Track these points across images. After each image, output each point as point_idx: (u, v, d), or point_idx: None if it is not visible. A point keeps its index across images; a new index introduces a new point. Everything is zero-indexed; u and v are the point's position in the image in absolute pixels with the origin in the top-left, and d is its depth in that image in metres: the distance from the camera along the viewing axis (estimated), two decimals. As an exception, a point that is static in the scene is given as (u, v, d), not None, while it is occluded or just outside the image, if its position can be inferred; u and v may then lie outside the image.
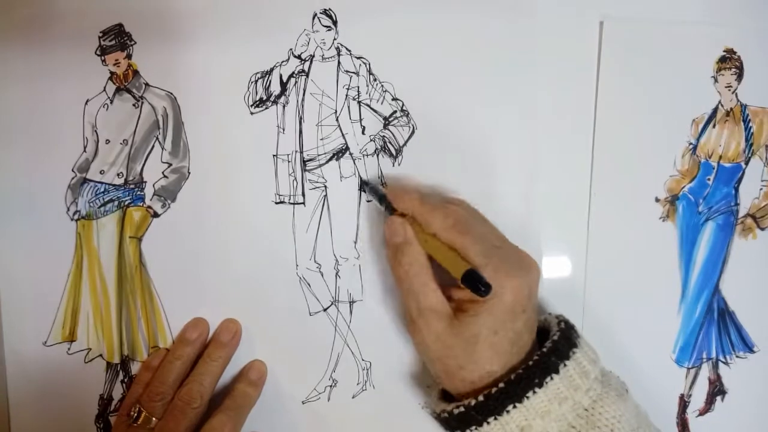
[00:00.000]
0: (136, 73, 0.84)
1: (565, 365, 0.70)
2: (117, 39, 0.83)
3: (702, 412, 0.88)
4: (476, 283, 0.67)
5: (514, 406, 0.68)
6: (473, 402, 0.69)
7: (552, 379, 0.69)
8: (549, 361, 0.70)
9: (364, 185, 0.84)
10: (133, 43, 0.83)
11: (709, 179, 0.87)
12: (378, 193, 0.81)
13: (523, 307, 0.70)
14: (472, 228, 0.72)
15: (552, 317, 0.77)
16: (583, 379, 0.70)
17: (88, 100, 0.84)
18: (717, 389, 0.88)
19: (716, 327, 0.88)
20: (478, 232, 0.73)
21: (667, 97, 0.87)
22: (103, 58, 0.83)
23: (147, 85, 0.84)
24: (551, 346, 0.71)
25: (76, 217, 0.84)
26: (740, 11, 0.88)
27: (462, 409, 0.70)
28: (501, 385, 0.69)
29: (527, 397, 0.68)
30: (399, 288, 0.76)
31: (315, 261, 0.85)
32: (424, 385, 0.86)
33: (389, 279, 0.82)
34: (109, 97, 0.84)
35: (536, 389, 0.68)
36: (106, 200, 0.84)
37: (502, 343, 0.70)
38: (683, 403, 0.88)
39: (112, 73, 0.84)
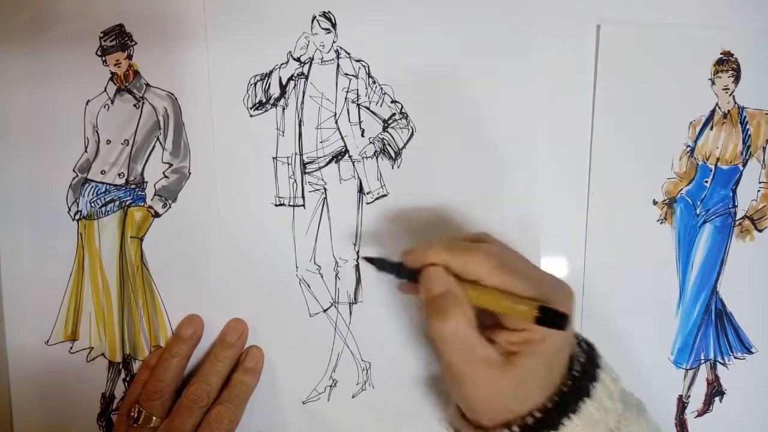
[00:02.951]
0: (136, 73, 0.84)
1: (594, 387, 0.67)
2: (118, 39, 0.84)
3: (700, 413, 0.88)
4: (554, 318, 0.62)
5: None
6: None
7: (584, 402, 0.66)
8: (581, 385, 0.67)
9: (369, 262, 0.76)
10: (133, 43, 0.84)
11: (706, 181, 0.87)
12: (389, 264, 0.74)
13: (572, 334, 0.69)
14: (516, 264, 0.68)
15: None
16: (610, 401, 0.68)
17: (89, 101, 0.84)
18: (715, 390, 0.88)
19: (714, 328, 0.88)
20: (521, 266, 0.68)
21: (664, 100, 0.87)
22: (103, 58, 0.84)
23: (148, 85, 0.84)
24: (580, 369, 0.68)
25: (77, 217, 0.84)
26: (737, 14, 0.88)
27: None
28: (538, 414, 0.66)
29: (563, 424, 0.65)
30: (439, 345, 0.67)
31: (315, 262, 0.85)
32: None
33: (388, 280, 0.82)
34: (110, 98, 0.84)
35: (571, 415, 0.66)
36: (107, 200, 0.84)
37: (554, 377, 0.67)
38: (682, 404, 0.88)
39: (112, 73, 0.84)
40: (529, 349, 0.66)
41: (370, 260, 0.76)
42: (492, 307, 0.66)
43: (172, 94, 0.84)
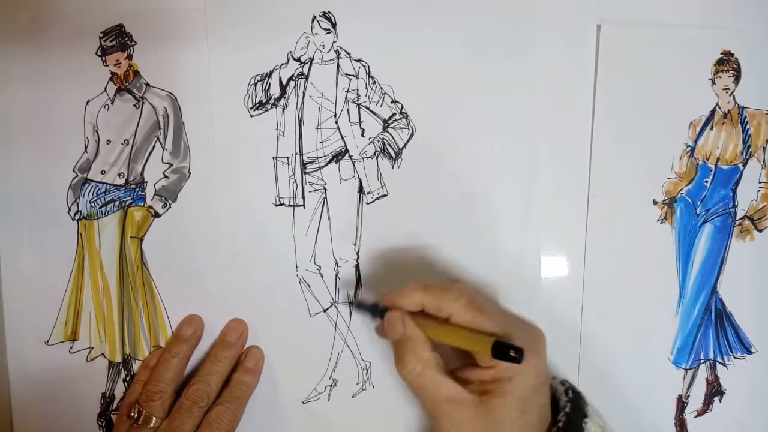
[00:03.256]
0: (136, 73, 0.84)
1: None
2: (118, 39, 0.84)
3: (700, 413, 0.88)
4: (508, 350, 0.64)
5: None
6: None
7: None
8: None
9: (350, 305, 0.84)
10: (133, 43, 0.84)
11: (706, 181, 0.87)
12: (368, 304, 0.78)
13: (544, 380, 0.69)
14: (486, 303, 0.70)
15: (556, 383, 0.76)
16: None
17: (89, 101, 0.84)
18: (715, 390, 0.88)
19: (714, 328, 0.88)
20: (491, 306, 0.71)
21: (664, 100, 0.87)
22: (103, 58, 0.84)
23: (148, 85, 0.84)
24: (565, 419, 0.69)
25: (77, 217, 0.84)
26: (738, 14, 0.88)
27: None
28: None
29: None
30: (409, 386, 0.72)
31: (315, 262, 0.85)
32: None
33: (389, 280, 0.83)
34: (109, 98, 0.84)
35: None
36: (107, 200, 0.84)
37: (531, 421, 0.68)
38: (681, 404, 0.88)
39: (112, 73, 0.84)
40: (500, 388, 0.67)
41: (351, 303, 0.85)
42: (456, 343, 0.69)
43: (172, 94, 0.84)
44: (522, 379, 0.67)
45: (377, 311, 0.76)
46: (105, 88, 0.84)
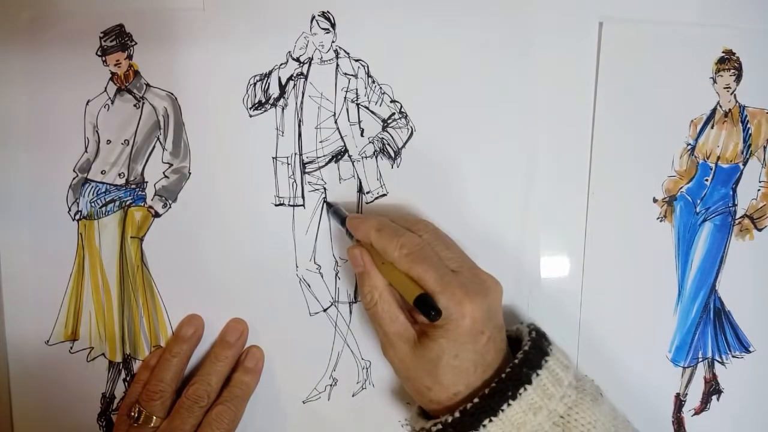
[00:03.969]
0: (136, 73, 0.84)
1: (537, 375, 0.70)
2: (118, 39, 0.83)
3: (698, 412, 0.88)
4: (426, 308, 0.68)
5: (490, 420, 0.68)
6: (450, 419, 0.69)
7: (525, 389, 0.69)
8: (521, 372, 0.70)
9: (327, 207, 0.86)
10: (133, 43, 0.84)
11: (706, 180, 0.87)
12: (339, 216, 0.82)
13: (482, 328, 0.70)
14: (428, 256, 0.72)
15: (524, 327, 0.78)
16: (557, 387, 0.70)
17: (89, 101, 0.84)
18: (713, 389, 0.88)
19: (712, 327, 0.88)
20: (434, 259, 0.73)
21: (665, 98, 0.87)
22: (104, 58, 0.84)
23: (148, 85, 0.84)
24: (522, 357, 0.71)
25: (77, 217, 0.84)
26: (739, 12, 0.88)
27: (440, 426, 0.70)
28: (476, 400, 0.69)
29: (502, 410, 0.68)
30: (367, 315, 0.77)
31: (315, 262, 0.85)
32: (404, 402, 0.87)
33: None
34: (110, 98, 0.84)
35: (510, 401, 0.68)
36: (107, 200, 0.84)
37: (464, 365, 0.70)
38: (679, 403, 0.88)
39: (113, 73, 0.84)
40: (433, 332, 0.71)
41: (329, 205, 0.86)
42: (396, 286, 0.74)
43: (172, 94, 0.84)
44: (453, 327, 0.70)
45: (345, 227, 0.80)
46: (105, 88, 0.84)
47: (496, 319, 0.73)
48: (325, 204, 0.86)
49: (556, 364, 0.72)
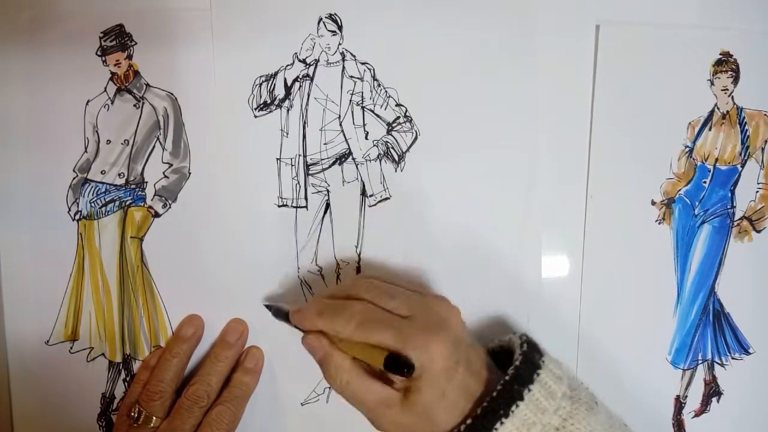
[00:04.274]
0: (136, 73, 0.84)
1: (529, 390, 0.69)
2: (118, 39, 0.83)
3: (698, 413, 0.89)
4: (399, 368, 0.68)
5: None
6: None
7: (517, 406, 0.68)
8: (512, 390, 0.69)
9: (267, 308, 0.84)
10: (133, 43, 0.84)
11: (705, 182, 0.88)
12: (283, 313, 0.81)
13: (456, 360, 0.70)
14: (377, 317, 0.72)
15: (516, 338, 0.77)
16: (550, 400, 0.69)
17: (89, 101, 0.84)
18: (713, 390, 0.88)
19: (712, 329, 0.88)
20: (384, 317, 0.73)
21: (663, 100, 0.87)
22: (103, 58, 0.84)
23: (148, 85, 0.84)
24: (513, 373, 0.70)
25: (77, 217, 0.84)
26: (737, 14, 0.88)
27: None
28: (469, 421, 0.68)
29: (495, 429, 0.67)
30: (343, 397, 0.75)
31: (316, 264, 0.85)
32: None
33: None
34: (110, 98, 0.84)
35: (503, 419, 0.68)
36: (107, 200, 0.84)
37: (454, 401, 0.70)
38: (679, 405, 0.88)
39: (112, 73, 0.84)
40: (414, 385, 0.70)
41: (268, 307, 0.84)
42: (360, 357, 0.73)
43: (171, 94, 0.84)
44: (429, 373, 0.69)
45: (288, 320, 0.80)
46: (105, 88, 0.84)
47: (463, 343, 0.73)
48: (266, 306, 0.85)
49: (549, 376, 0.71)
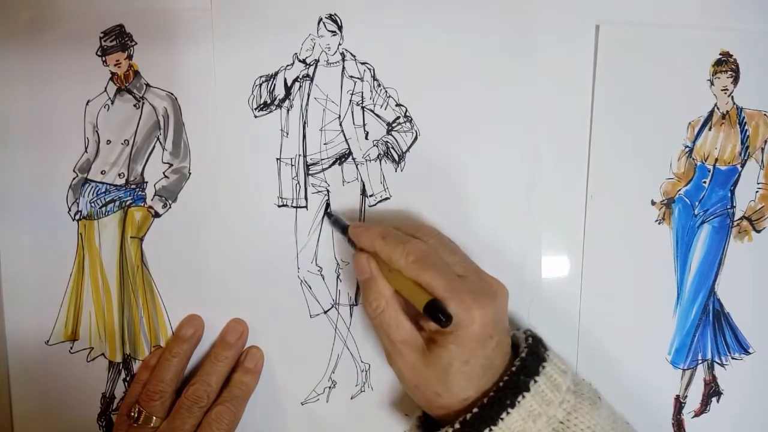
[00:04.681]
0: (136, 73, 0.84)
1: (535, 381, 0.70)
2: (118, 40, 0.83)
3: (698, 413, 0.89)
4: (437, 314, 0.67)
5: (490, 429, 0.68)
6: (450, 430, 0.69)
7: (524, 397, 0.69)
8: (519, 380, 0.70)
9: (328, 216, 0.85)
10: (133, 43, 0.84)
11: (705, 182, 0.88)
12: (340, 225, 0.82)
13: (491, 333, 0.70)
14: (435, 262, 0.72)
15: (520, 333, 0.78)
16: (555, 393, 0.70)
17: (89, 101, 0.84)
18: (712, 390, 0.88)
19: (712, 328, 0.88)
20: (442, 265, 0.73)
21: (663, 100, 0.87)
22: (104, 58, 0.84)
23: (148, 85, 0.84)
24: (519, 364, 0.71)
25: (77, 217, 0.84)
26: (736, 14, 0.88)
27: None
28: (475, 410, 0.69)
29: (501, 419, 0.68)
30: (371, 323, 0.76)
31: (316, 264, 0.85)
32: (402, 412, 0.87)
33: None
34: (110, 98, 0.84)
35: (509, 410, 0.68)
36: (107, 200, 0.84)
37: (474, 371, 0.70)
38: (679, 405, 0.88)
39: (113, 73, 0.84)
40: (443, 339, 0.70)
41: (329, 214, 0.85)
42: (403, 293, 0.73)
43: (171, 94, 0.84)
44: (463, 333, 0.69)
45: (347, 236, 0.80)
46: (105, 88, 0.84)
47: (503, 323, 0.73)
48: (325, 214, 0.85)
49: (554, 369, 0.72)
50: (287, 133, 0.84)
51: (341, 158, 0.85)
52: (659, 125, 0.87)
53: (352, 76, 0.84)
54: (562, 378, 0.72)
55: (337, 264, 0.86)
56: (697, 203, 0.88)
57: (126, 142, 0.84)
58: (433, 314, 0.68)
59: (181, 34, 0.84)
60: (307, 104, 0.84)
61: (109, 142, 0.84)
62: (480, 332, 0.69)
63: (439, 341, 0.70)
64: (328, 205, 0.85)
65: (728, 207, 0.88)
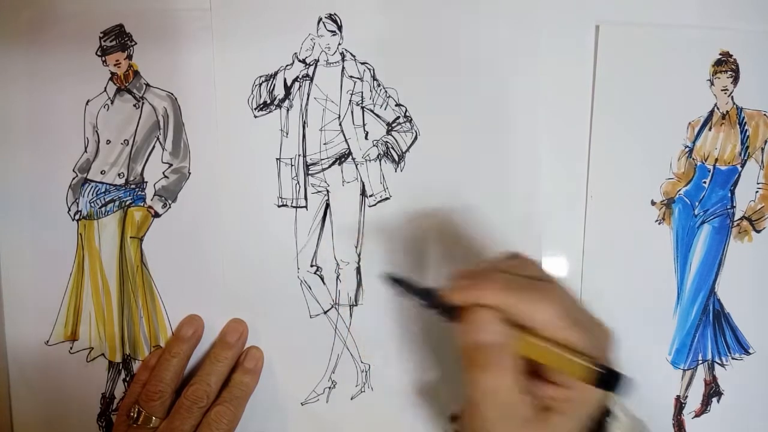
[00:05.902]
0: (136, 73, 0.84)
1: None
2: (118, 39, 0.83)
3: (698, 414, 0.89)
4: (612, 380, 0.57)
5: None
6: None
7: None
8: None
9: (392, 282, 0.68)
10: (133, 43, 0.84)
11: (705, 182, 0.88)
12: (417, 289, 0.66)
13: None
14: (577, 312, 0.61)
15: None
16: None
17: (89, 101, 0.84)
18: (713, 391, 0.88)
19: (712, 329, 0.88)
20: (582, 315, 0.61)
21: (663, 100, 0.87)
22: (103, 58, 0.84)
23: (147, 85, 0.84)
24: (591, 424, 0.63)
25: (77, 217, 0.84)
26: (736, 14, 0.88)
27: None
28: None
29: None
30: (476, 396, 0.59)
31: (316, 264, 0.85)
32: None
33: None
34: (109, 98, 0.84)
35: None
36: (107, 200, 0.84)
37: None
38: (679, 405, 0.88)
39: (112, 73, 0.84)
40: (567, 407, 0.60)
41: (395, 280, 0.67)
42: (545, 361, 0.59)
43: (171, 94, 0.84)
44: (591, 397, 0.60)
45: (434, 302, 0.63)
46: (105, 88, 0.84)
47: None
48: (389, 278, 0.67)
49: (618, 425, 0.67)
50: (287, 133, 0.84)
51: (341, 158, 0.85)
52: (659, 125, 0.87)
53: (351, 76, 0.84)
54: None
55: (337, 264, 0.85)
56: (697, 203, 0.88)
57: (126, 142, 0.84)
58: (608, 385, 0.57)
59: (181, 34, 0.83)
60: (306, 104, 0.84)
61: (108, 142, 0.84)
62: (601, 396, 0.62)
63: (558, 408, 0.60)
64: (328, 205, 0.85)
65: (728, 207, 0.88)
